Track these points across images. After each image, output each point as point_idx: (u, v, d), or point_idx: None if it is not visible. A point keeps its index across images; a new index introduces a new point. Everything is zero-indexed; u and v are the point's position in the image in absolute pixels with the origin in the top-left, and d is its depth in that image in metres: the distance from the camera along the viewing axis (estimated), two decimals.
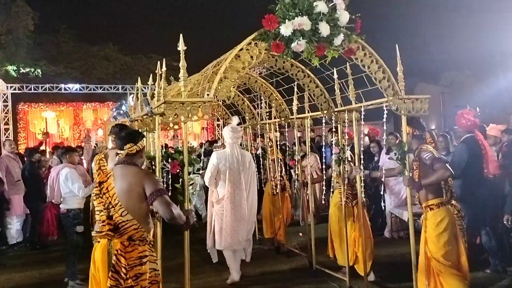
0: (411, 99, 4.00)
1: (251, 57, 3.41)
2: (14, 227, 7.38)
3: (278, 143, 6.65)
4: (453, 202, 4.14)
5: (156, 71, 4.09)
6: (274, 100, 6.04)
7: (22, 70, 18.68)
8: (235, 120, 5.72)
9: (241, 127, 6.60)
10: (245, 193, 5.24)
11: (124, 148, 3.06)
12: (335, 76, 4.90)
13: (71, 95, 17.12)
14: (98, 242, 2.96)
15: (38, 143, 10.49)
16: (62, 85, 16.46)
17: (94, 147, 9.48)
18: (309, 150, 6.63)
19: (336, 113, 4.96)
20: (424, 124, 4.48)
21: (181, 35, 3.26)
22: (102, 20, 17.09)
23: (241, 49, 3.39)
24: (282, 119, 6.04)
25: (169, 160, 3.38)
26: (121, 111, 5.70)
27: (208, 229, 5.37)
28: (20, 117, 17.00)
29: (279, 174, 6.58)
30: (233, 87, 3.58)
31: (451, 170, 3.87)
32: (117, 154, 3.11)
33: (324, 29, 3.34)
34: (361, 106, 4.51)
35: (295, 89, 5.61)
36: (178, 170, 3.32)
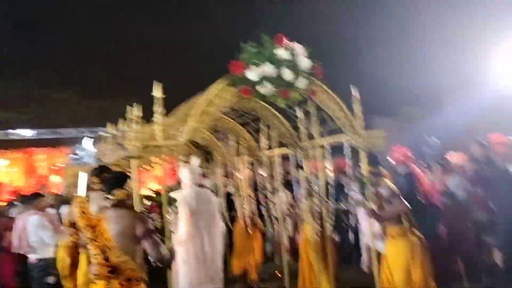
0: (369, 136, 4.42)
1: (224, 100, 3.70)
2: None
3: (248, 180, 6.90)
4: (415, 231, 4.47)
5: (127, 115, 4.35)
6: (242, 138, 6.33)
7: None
8: (194, 160, 5.79)
9: (206, 166, 6.82)
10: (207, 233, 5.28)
11: (114, 194, 3.24)
12: (299, 114, 5.31)
13: (23, 141, 16.72)
14: (95, 283, 3.05)
15: None
16: (10, 131, 16.02)
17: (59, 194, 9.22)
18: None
19: (301, 149, 5.32)
20: (380, 158, 4.91)
21: (155, 82, 3.53)
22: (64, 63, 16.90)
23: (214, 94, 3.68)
24: (251, 155, 6.31)
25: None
26: (78, 157, 5.75)
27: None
28: None
29: (247, 212, 6.79)
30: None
31: (407, 204, 4.25)
32: (106, 198, 3.25)
33: (287, 74, 3.72)
34: (323, 143, 4.89)
35: (261, 127, 5.99)
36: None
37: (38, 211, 5.24)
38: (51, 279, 5.05)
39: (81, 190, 5.75)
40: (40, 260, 5.10)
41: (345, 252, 6.34)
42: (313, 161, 5.42)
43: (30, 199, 5.44)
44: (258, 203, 7.17)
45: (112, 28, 13.45)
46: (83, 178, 5.76)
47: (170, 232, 3.52)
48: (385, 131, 4.60)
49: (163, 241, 3.47)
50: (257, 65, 3.62)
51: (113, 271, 3.00)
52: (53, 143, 17.53)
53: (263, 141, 6.01)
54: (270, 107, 5.18)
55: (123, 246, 3.04)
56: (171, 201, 3.57)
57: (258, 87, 3.68)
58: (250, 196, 6.87)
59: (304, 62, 3.81)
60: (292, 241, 8.05)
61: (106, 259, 3.00)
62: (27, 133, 16.26)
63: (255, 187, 7.78)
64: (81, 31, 13.96)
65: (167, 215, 3.53)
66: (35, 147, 17.17)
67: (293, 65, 3.75)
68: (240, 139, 6.41)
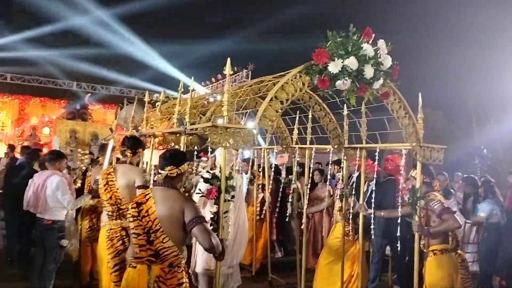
0: (430, 147, 4.34)
1: (295, 89, 3.58)
2: None
3: (271, 169, 6.82)
4: (459, 251, 4.49)
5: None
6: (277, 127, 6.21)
7: None
8: None
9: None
10: (233, 215, 5.32)
11: (165, 169, 3.09)
12: (345, 113, 5.21)
13: (18, 86, 16.33)
14: (134, 267, 2.93)
15: None
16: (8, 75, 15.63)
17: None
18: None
19: (345, 149, 5.24)
20: (433, 171, 4.86)
21: (228, 59, 3.38)
22: None
23: (287, 81, 3.55)
24: (284, 146, 6.22)
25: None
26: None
27: (193, 251, 5.38)
28: None
29: (255, 200, 6.79)
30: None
31: (459, 222, 4.23)
32: (158, 173, 3.12)
33: (369, 71, 3.60)
34: (376, 147, 4.81)
35: (297, 119, 5.88)
36: (215, 197, 3.37)
37: (56, 171, 5.14)
38: (65, 242, 5.02)
39: (107, 160, 5.65)
40: (55, 222, 5.02)
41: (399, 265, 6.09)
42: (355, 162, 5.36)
43: (52, 159, 5.28)
44: (282, 195, 7.08)
45: None
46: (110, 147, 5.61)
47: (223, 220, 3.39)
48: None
49: (216, 230, 3.36)
50: (341, 57, 3.49)
51: (156, 255, 2.90)
52: (50, 94, 17.18)
53: (295, 133, 5.91)
54: (320, 100, 5.08)
55: (169, 230, 2.91)
56: (228, 187, 3.43)
57: (336, 82, 3.56)
58: (265, 185, 6.81)
59: (387, 61, 3.68)
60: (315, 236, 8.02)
61: (151, 242, 2.91)
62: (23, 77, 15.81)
63: (278, 179, 7.73)
64: None
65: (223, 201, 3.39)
66: (30, 95, 16.77)
67: (375, 63, 3.63)
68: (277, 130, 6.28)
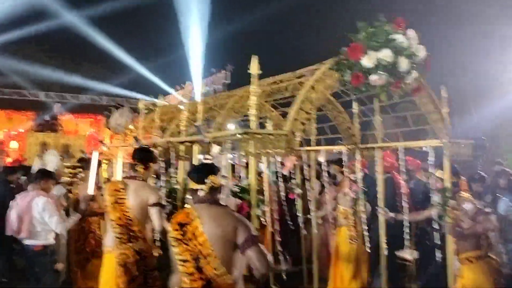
0: (458, 143, 4.09)
1: (325, 87, 3.24)
2: None
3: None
4: (491, 255, 4.23)
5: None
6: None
7: None
8: (215, 148, 5.45)
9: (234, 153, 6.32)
10: None
11: (206, 182, 2.70)
12: (355, 110, 4.92)
13: None
14: None
15: None
16: None
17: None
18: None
19: (360, 149, 4.94)
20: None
21: (254, 57, 3.01)
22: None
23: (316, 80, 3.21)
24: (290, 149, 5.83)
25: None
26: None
27: None
28: None
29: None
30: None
31: (495, 223, 4.00)
32: (194, 190, 2.70)
33: (403, 64, 3.30)
34: (396, 145, 4.53)
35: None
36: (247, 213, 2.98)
37: (42, 192, 4.66)
38: (60, 266, 4.70)
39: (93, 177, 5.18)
40: (46, 247, 4.58)
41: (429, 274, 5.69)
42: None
43: (37, 177, 4.80)
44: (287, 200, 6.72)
45: None
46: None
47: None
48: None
49: None
50: (375, 49, 3.16)
51: (208, 285, 2.50)
52: (16, 105, 16.25)
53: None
54: (334, 100, 4.78)
55: (222, 253, 2.52)
56: (259, 202, 3.05)
57: (370, 77, 3.23)
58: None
59: (421, 51, 3.38)
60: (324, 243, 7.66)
61: (200, 269, 2.51)
62: None
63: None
64: None
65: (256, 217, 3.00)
66: None
67: (409, 54, 3.32)
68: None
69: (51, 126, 15.47)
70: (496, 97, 10.42)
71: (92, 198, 5.10)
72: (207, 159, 4.26)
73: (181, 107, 6.58)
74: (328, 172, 6.86)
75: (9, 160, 12.88)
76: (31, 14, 14.86)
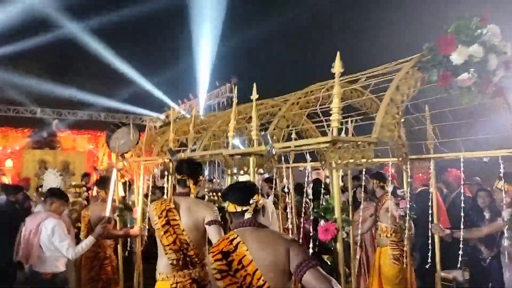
0: None
1: (409, 88, 2.87)
2: None
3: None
4: None
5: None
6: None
7: None
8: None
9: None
10: None
11: (251, 203, 2.38)
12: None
13: None
14: None
15: None
16: None
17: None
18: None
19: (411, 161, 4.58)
20: None
21: (337, 54, 2.62)
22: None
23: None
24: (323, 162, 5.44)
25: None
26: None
27: None
28: None
29: (281, 226, 5.97)
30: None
31: None
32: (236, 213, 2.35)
33: (493, 61, 2.95)
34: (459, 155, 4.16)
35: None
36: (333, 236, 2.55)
37: (52, 213, 4.27)
38: None
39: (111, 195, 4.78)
40: (56, 275, 4.17)
41: None
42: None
43: (46, 196, 4.45)
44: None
45: None
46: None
47: None
48: None
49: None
50: (467, 44, 2.81)
51: None
52: (12, 122, 15.71)
53: None
54: (378, 102, 4.38)
55: (276, 283, 2.18)
56: (345, 222, 2.63)
57: (458, 77, 2.87)
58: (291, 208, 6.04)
59: (509, 49, 3.04)
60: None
61: None
62: None
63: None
64: None
65: None
66: None
67: (498, 51, 2.98)
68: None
69: (49, 143, 14.92)
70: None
71: (109, 220, 4.75)
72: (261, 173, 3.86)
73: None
74: (365, 187, 6.48)
75: (4, 179, 12.30)
76: (27, 26, 14.44)
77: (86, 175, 9.69)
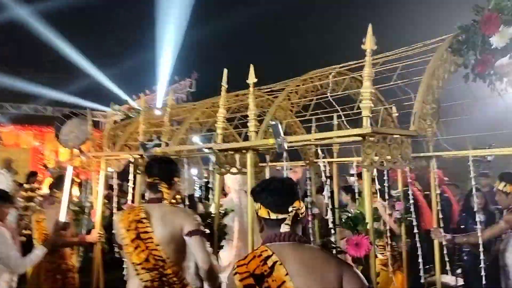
0: None
1: (444, 74, 2.47)
2: None
3: None
4: None
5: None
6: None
7: None
8: None
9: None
10: None
11: (291, 210, 1.85)
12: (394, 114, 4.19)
13: None
14: None
15: None
16: None
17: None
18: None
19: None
20: None
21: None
22: None
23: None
24: (307, 162, 4.97)
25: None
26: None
27: None
28: None
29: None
30: None
31: None
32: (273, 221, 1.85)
33: None
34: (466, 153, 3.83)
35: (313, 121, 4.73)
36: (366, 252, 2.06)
37: None
38: None
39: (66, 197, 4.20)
40: None
41: None
42: None
43: None
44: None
45: None
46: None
47: None
48: None
49: None
50: (510, 24, 2.44)
51: None
52: None
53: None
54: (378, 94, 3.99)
55: None
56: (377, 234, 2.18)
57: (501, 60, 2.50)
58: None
59: None
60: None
61: None
62: None
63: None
64: None
65: None
66: None
67: None
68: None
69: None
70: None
71: (65, 227, 4.17)
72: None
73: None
74: (349, 188, 6.07)
75: None
76: None
77: (33, 174, 8.78)
